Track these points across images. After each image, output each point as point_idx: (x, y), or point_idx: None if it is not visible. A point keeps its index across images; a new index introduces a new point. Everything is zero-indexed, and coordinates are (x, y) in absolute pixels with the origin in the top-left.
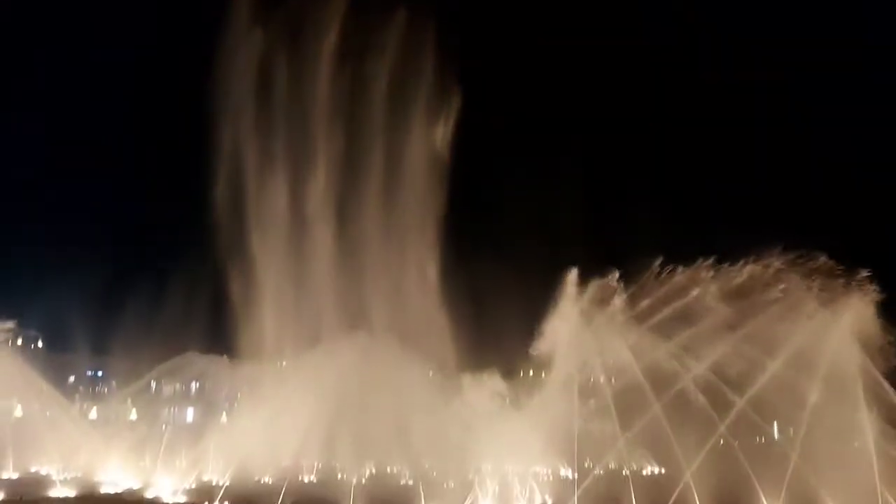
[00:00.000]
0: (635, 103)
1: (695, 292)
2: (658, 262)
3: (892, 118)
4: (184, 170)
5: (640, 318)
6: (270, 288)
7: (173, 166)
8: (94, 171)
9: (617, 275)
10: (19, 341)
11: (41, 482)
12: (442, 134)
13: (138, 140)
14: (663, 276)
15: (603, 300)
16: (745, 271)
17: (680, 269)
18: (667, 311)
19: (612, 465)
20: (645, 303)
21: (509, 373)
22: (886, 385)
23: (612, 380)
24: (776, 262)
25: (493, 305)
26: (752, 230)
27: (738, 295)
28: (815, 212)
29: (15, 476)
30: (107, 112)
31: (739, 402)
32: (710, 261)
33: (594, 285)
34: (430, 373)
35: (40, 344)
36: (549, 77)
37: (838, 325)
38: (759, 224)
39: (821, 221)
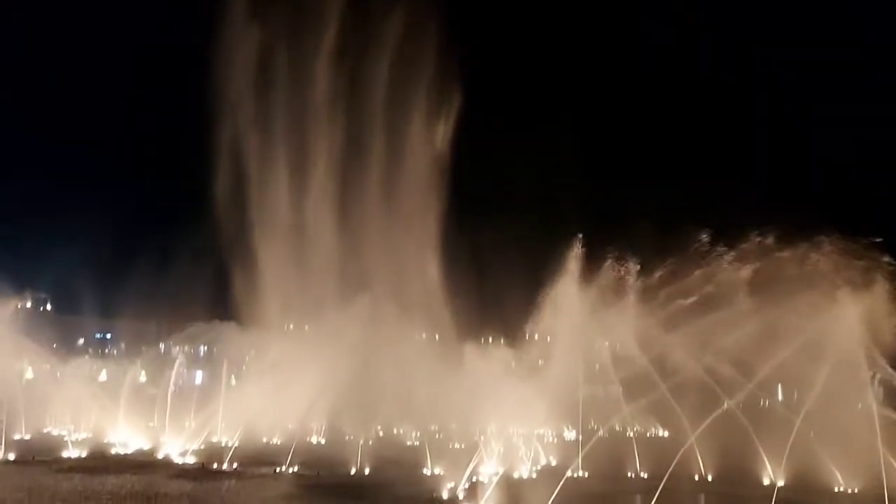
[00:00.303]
0: (635, 100)
1: (747, 269)
2: (705, 236)
3: (893, 118)
4: (186, 154)
5: (664, 302)
6: (274, 262)
7: (176, 150)
8: (101, 151)
9: (637, 267)
10: (28, 304)
11: (53, 443)
12: (443, 132)
13: (143, 121)
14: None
15: (616, 290)
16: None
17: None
18: (696, 296)
19: (616, 427)
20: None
21: (513, 337)
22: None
23: (617, 346)
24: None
25: (495, 273)
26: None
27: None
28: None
29: (27, 437)
30: (109, 97)
31: (749, 386)
32: (770, 239)
33: (606, 273)
34: (437, 336)
35: (49, 306)
36: (551, 67)
37: (851, 318)
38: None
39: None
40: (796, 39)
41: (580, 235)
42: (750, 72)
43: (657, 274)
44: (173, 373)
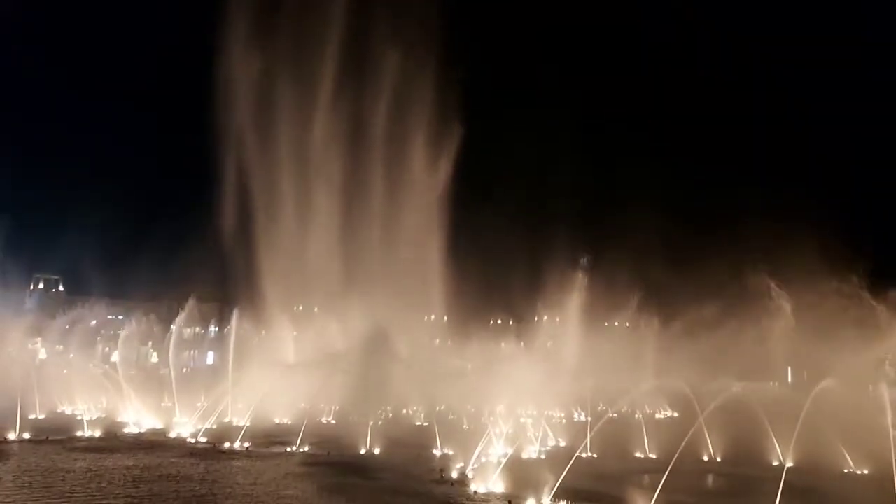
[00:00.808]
0: (633, 99)
1: None
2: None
3: (892, 116)
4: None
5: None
6: (280, 255)
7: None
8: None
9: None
10: (41, 285)
11: (67, 422)
12: (443, 169)
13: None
14: None
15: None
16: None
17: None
18: None
19: (625, 409)
20: None
21: (521, 318)
22: None
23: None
24: None
25: (499, 260)
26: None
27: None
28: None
29: (42, 416)
30: (121, 96)
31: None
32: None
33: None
34: (445, 318)
35: (61, 288)
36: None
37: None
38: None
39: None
40: (795, 37)
41: (585, 260)
42: (749, 69)
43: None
44: (170, 346)
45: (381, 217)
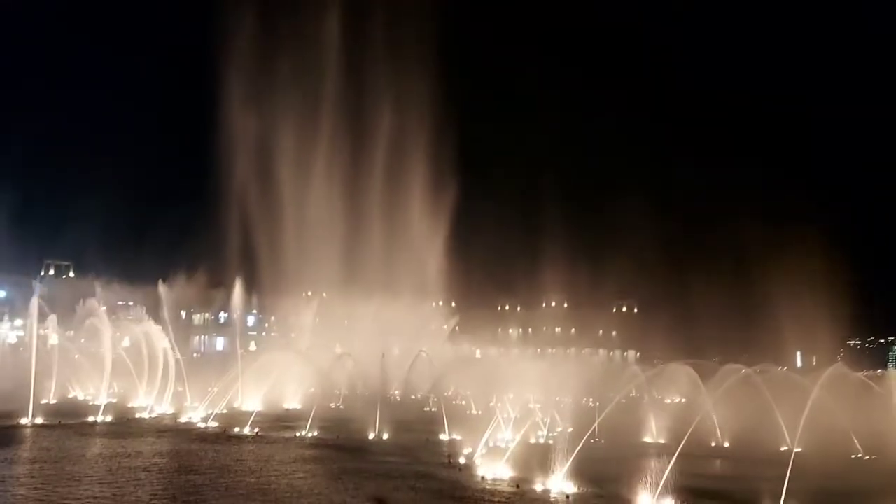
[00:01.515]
0: (636, 105)
1: None
2: None
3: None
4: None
5: None
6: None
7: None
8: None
9: None
10: (51, 271)
11: (79, 407)
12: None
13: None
14: None
15: None
16: None
17: None
18: None
19: (633, 394)
20: None
21: (528, 304)
22: None
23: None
24: None
25: (507, 249)
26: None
27: None
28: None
29: (54, 401)
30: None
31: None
32: None
33: None
34: (453, 304)
35: (72, 273)
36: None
37: None
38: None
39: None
40: (797, 41)
41: None
42: (751, 73)
43: None
44: (195, 340)
45: (386, 207)
